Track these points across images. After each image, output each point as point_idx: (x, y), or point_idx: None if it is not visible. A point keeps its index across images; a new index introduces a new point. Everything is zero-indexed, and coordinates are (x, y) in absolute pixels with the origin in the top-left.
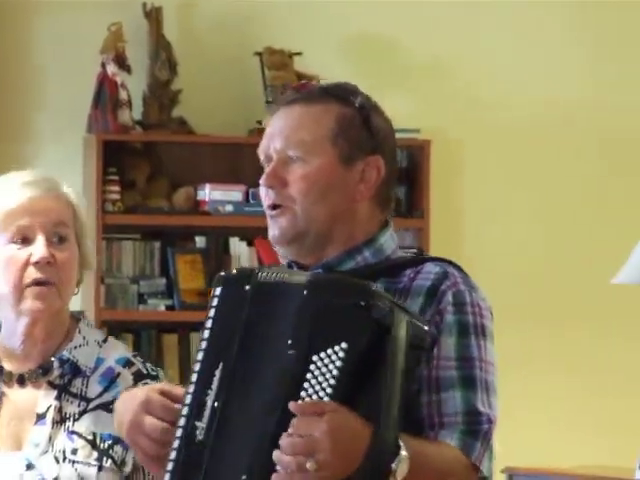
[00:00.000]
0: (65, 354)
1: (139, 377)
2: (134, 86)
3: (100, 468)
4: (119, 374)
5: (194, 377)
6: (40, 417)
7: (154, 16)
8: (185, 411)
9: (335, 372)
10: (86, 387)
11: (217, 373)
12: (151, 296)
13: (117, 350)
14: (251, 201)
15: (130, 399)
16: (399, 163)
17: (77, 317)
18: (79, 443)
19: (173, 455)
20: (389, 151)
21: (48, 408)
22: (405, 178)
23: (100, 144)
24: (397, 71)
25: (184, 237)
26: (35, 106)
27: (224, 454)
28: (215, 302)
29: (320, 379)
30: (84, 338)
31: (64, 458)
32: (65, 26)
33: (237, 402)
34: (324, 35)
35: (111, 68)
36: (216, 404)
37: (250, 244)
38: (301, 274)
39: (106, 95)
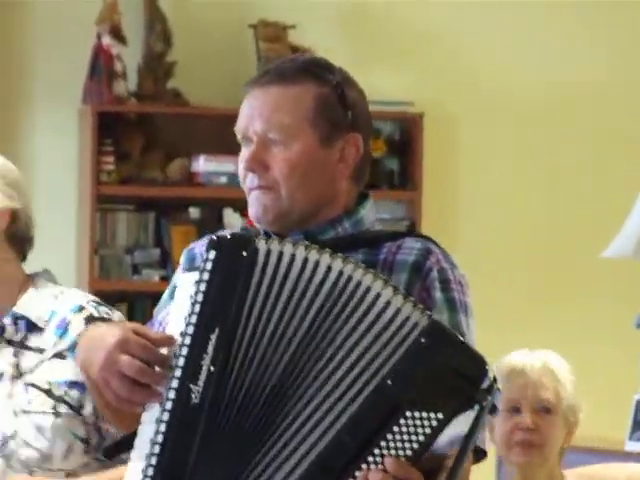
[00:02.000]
0: (17, 311)
1: (91, 321)
2: (129, 58)
3: (56, 415)
4: (71, 321)
5: (187, 340)
6: (1, 376)
7: None
8: (178, 373)
9: (422, 437)
10: (42, 340)
11: (212, 337)
12: (145, 266)
13: (72, 298)
14: None
15: (100, 338)
16: (393, 135)
17: (33, 275)
18: (34, 394)
19: (166, 416)
20: (365, 126)
21: (6, 366)
22: (398, 150)
23: (95, 115)
24: (391, 43)
25: (178, 208)
26: (31, 77)
27: (225, 421)
28: (208, 266)
29: (405, 437)
30: (38, 292)
31: (20, 411)
32: None
33: (242, 370)
34: (318, 8)
35: (106, 40)
36: (212, 368)
37: (243, 215)
38: (366, 272)
39: (101, 67)
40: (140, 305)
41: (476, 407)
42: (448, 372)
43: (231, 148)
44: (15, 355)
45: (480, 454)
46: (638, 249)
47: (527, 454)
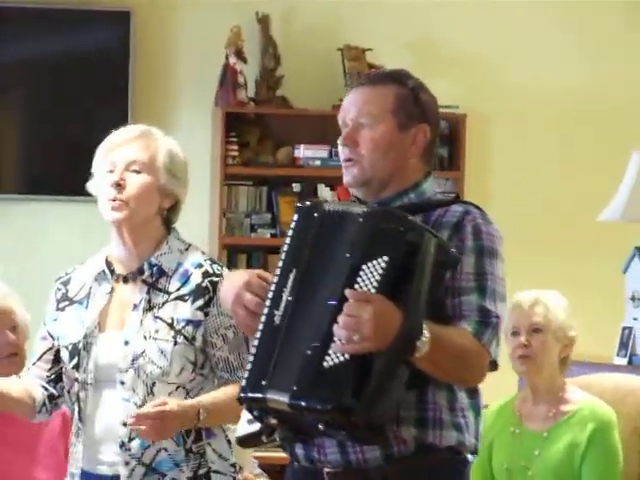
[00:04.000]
0: (153, 260)
1: (206, 275)
2: (249, 72)
3: (175, 343)
4: (192, 274)
5: (275, 279)
6: (135, 306)
7: (264, 21)
8: (267, 303)
9: (378, 277)
10: (169, 284)
11: (291, 276)
12: (260, 227)
13: (194, 256)
14: (334, 157)
15: (234, 280)
16: (443, 130)
17: (169, 231)
18: (160, 325)
19: (258, 335)
20: (433, 119)
21: (141, 300)
22: (447, 141)
23: (224, 115)
24: (443, 62)
25: (284, 184)
26: (178, 88)
27: (295, 333)
28: (292, 225)
29: (366, 281)
30: (169, 247)
31: (150, 336)
32: (201, 27)
33: (305, 297)
34: (390, 35)
35: (233, 59)
36: (289, 298)
37: (333, 189)
38: (359, 206)
39: (228, 79)
40: (256, 255)
41: (414, 245)
42: (383, 232)
43: (323, 139)
44: (148, 292)
45: (492, 365)
46: (624, 214)
47: (523, 364)
